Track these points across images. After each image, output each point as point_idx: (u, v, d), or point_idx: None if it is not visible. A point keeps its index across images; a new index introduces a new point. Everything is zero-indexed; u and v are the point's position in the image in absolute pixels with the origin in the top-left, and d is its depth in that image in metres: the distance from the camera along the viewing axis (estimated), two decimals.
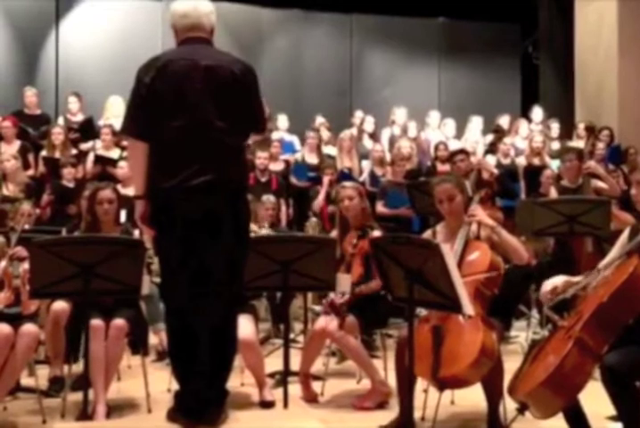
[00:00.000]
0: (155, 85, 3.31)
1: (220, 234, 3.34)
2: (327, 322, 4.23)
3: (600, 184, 6.26)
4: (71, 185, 6.78)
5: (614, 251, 3.22)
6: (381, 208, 6.90)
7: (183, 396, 3.45)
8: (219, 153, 3.35)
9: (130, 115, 3.42)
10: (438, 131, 9.12)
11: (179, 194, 3.29)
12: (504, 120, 9.36)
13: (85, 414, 3.75)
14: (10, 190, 6.63)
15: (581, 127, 8.64)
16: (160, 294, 3.76)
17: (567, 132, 9.23)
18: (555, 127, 9.05)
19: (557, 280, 3.21)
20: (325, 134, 8.58)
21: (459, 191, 3.89)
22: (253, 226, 5.20)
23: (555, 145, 8.67)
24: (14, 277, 3.94)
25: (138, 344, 4.21)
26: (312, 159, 8.03)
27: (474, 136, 8.99)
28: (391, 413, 3.79)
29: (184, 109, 3.31)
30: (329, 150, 8.36)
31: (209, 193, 3.30)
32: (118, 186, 6.18)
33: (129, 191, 6.53)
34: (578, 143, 8.29)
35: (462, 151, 7.18)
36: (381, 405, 4.11)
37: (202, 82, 3.31)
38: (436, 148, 8.21)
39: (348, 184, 4.71)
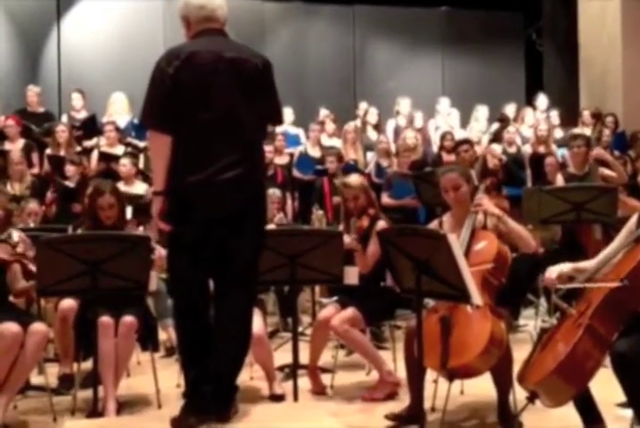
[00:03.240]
0: (180, 75, 3.21)
1: (242, 231, 3.28)
2: (331, 314, 4.23)
3: (607, 171, 6.24)
4: (72, 184, 6.74)
5: (620, 237, 3.19)
6: (386, 199, 6.89)
7: (191, 394, 3.39)
8: (245, 148, 3.29)
9: (152, 106, 3.27)
10: (448, 118, 9.09)
11: (205, 189, 3.21)
12: (510, 109, 9.32)
13: (95, 411, 3.75)
14: (15, 189, 6.65)
15: (586, 114, 8.60)
16: (169, 290, 3.69)
17: (572, 119, 9.18)
18: (555, 115, 9.00)
19: (563, 267, 3.19)
20: (330, 126, 8.56)
21: (465, 180, 3.87)
22: None
23: (558, 133, 8.63)
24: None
25: (147, 341, 4.21)
26: (315, 152, 8.03)
27: (480, 125, 8.95)
28: (401, 404, 3.79)
29: (211, 102, 3.24)
30: (334, 142, 8.35)
31: (235, 188, 3.24)
32: (121, 184, 6.20)
33: (132, 188, 6.55)
34: (584, 130, 8.25)
35: (466, 141, 7.14)
36: (391, 396, 4.11)
37: (228, 75, 3.25)
38: (442, 138, 8.17)
39: (352, 181, 4.54)
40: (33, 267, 3.86)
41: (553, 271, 3.19)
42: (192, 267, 3.32)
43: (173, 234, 3.34)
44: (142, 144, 7.75)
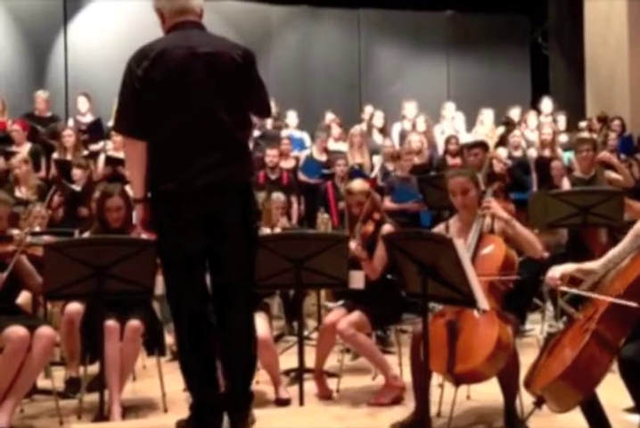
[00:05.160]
0: (149, 76, 3.04)
1: (229, 237, 3.14)
2: (338, 318, 4.23)
3: (613, 175, 6.23)
4: (78, 188, 6.75)
5: (625, 241, 3.17)
6: (388, 203, 6.87)
7: (198, 408, 3.29)
8: (225, 150, 3.11)
9: (123, 111, 3.11)
10: (453, 122, 9.09)
11: (184, 195, 3.05)
12: (515, 112, 9.31)
13: (101, 414, 3.74)
14: (22, 193, 6.66)
15: (594, 120, 8.57)
16: (167, 302, 3.55)
17: (578, 122, 9.17)
18: (562, 120, 8.98)
19: (567, 267, 3.17)
20: (336, 130, 8.57)
21: (473, 184, 3.87)
22: (265, 228, 5.20)
23: (563, 138, 8.61)
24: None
25: (153, 345, 4.22)
26: (322, 157, 8.03)
27: (485, 129, 8.94)
28: (407, 409, 3.78)
29: (185, 102, 3.06)
30: (340, 146, 8.35)
31: (216, 193, 3.08)
32: (127, 188, 6.20)
33: None
34: (592, 135, 8.23)
35: (478, 145, 7.08)
36: (397, 400, 4.10)
37: (203, 72, 3.07)
38: (447, 141, 8.17)
39: (355, 187, 4.55)
40: (38, 252, 3.85)
41: (556, 270, 3.17)
42: (185, 274, 3.16)
43: (160, 242, 3.20)
44: None
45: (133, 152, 3.13)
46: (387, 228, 4.37)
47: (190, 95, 3.07)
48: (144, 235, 4.08)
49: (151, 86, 3.04)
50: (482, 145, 6.87)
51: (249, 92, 3.20)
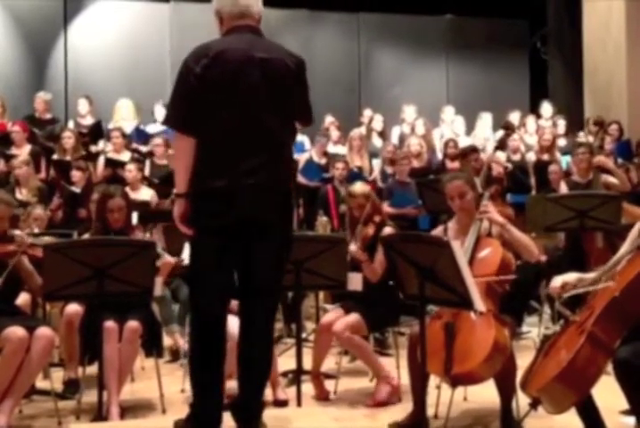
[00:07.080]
0: (207, 75, 3.08)
1: (266, 238, 3.13)
2: (334, 318, 4.25)
3: (610, 178, 6.25)
4: (78, 190, 6.77)
5: (625, 246, 3.21)
6: (386, 208, 6.88)
7: (198, 406, 3.27)
8: (271, 152, 3.14)
9: (177, 106, 3.14)
10: (453, 126, 9.12)
11: (227, 195, 3.06)
12: (514, 116, 9.34)
13: (100, 415, 3.76)
14: (23, 194, 6.68)
15: (591, 123, 8.60)
16: (190, 300, 3.51)
17: (576, 127, 9.19)
18: (562, 124, 9.00)
19: (568, 276, 3.19)
20: (335, 133, 8.59)
21: (470, 187, 3.90)
22: None
23: (562, 142, 8.63)
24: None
25: (152, 346, 4.23)
26: (321, 161, 8.05)
27: (484, 133, 8.96)
28: (404, 410, 3.79)
29: (237, 103, 3.10)
30: (339, 149, 8.37)
31: (258, 195, 3.08)
32: (127, 189, 6.22)
33: (138, 194, 6.57)
34: (589, 139, 8.26)
35: (474, 150, 7.09)
36: (392, 395, 4.12)
37: (258, 77, 3.12)
38: (445, 145, 8.19)
39: (356, 190, 4.59)
40: (39, 253, 3.86)
41: (557, 280, 3.20)
42: (215, 274, 3.14)
43: (195, 238, 3.19)
44: (145, 150, 7.82)
45: (181, 146, 3.16)
46: (388, 231, 4.40)
47: (242, 98, 3.11)
48: (150, 235, 4.04)
49: (207, 84, 3.08)
50: (475, 150, 6.94)
51: (298, 99, 3.25)
